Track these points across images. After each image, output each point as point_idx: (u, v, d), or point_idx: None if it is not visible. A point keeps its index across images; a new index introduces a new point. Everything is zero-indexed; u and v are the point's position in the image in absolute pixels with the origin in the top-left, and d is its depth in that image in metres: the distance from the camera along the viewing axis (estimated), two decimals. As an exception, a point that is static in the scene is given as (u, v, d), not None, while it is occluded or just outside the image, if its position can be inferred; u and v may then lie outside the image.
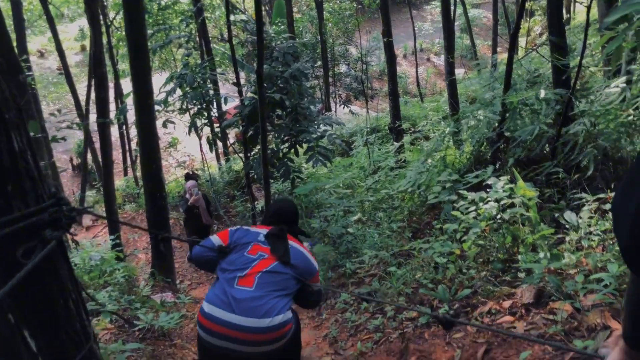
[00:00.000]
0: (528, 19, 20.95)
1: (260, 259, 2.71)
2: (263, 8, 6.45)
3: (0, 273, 1.24)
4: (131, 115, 11.43)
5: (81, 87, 14.04)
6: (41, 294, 1.34)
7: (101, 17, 10.14)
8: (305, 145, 8.58)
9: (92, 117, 8.86)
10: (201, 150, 13.17)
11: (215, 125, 12.17)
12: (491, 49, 17.25)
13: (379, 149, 10.16)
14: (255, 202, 9.02)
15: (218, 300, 2.58)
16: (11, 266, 1.25)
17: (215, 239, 2.91)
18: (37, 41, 29.53)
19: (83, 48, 29.34)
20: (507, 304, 3.05)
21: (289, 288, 2.69)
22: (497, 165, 5.27)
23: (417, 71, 19.41)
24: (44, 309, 1.34)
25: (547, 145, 5.06)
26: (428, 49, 31.15)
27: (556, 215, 4.18)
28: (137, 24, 5.92)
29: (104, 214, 8.38)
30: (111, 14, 14.48)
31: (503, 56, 13.98)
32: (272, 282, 2.63)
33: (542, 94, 5.11)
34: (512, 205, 3.82)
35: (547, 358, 2.32)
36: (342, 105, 18.33)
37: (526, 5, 14.59)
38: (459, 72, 17.27)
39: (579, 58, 4.84)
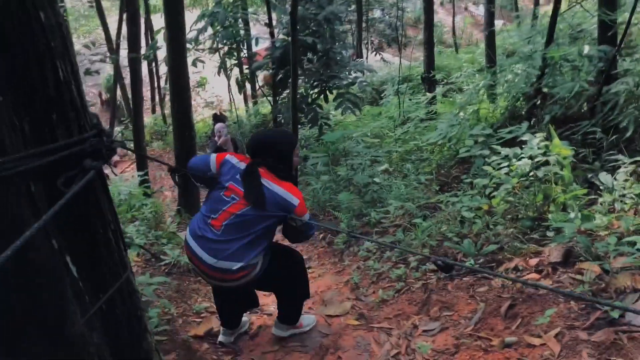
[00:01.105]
0: (574, -30, 19.96)
1: (232, 202, 2.73)
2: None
3: (45, 201, 1.26)
4: (161, 53, 11.38)
5: (112, 22, 13.92)
6: (83, 222, 1.37)
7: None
8: (335, 92, 8.47)
9: (123, 52, 8.83)
10: (229, 91, 13.10)
11: (245, 66, 12.08)
12: (533, 1, 16.53)
13: (410, 99, 9.97)
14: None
15: (193, 231, 2.81)
16: (54, 194, 1.27)
17: (212, 163, 2.92)
18: (69, -28, 29.24)
19: (115, -19, 29.00)
20: (533, 261, 3.03)
21: (259, 229, 2.72)
22: (532, 122, 5.14)
23: (453, 20, 18.81)
24: (85, 236, 1.37)
25: (586, 103, 4.90)
26: (466, -3, 30.03)
27: (589, 176, 4.10)
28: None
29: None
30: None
31: (545, 9, 13.40)
32: (240, 227, 2.70)
33: (586, 49, 4.92)
34: (546, 163, 3.74)
35: (572, 316, 2.32)
36: (374, 53, 17.95)
37: (574, -45, 13.87)
38: (498, 23, 16.65)
39: (628, 14, 4.61)
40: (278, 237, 3.31)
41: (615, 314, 2.24)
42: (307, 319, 3.52)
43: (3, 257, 0.99)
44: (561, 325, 2.29)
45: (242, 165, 2.84)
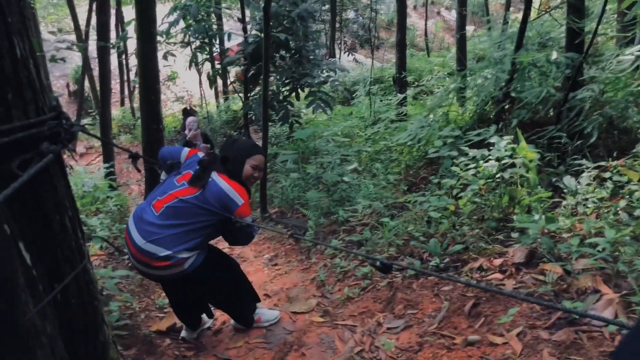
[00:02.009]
0: (544, -21, 20.34)
1: (181, 187, 2.74)
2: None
3: (-3, 183, 1.20)
4: (131, 45, 11.16)
5: (81, 11, 13.63)
6: (37, 208, 1.31)
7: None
8: (306, 90, 8.45)
9: (92, 43, 8.64)
10: (200, 86, 12.96)
11: (217, 62, 11.95)
12: (504, 7, 16.82)
13: (381, 100, 10.03)
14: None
15: (135, 214, 2.77)
16: (7, 177, 1.21)
17: (183, 155, 2.98)
18: (38, -41, 28.49)
19: (85, -30, 28.39)
20: (497, 262, 3.07)
21: (197, 223, 2.69)
22: (500, 126, 5.22)
23: (426, 24, 19.02)
24: (39, 223, 1.32)
25: (552, 109, 4.99)
26: (439, 2, 30.39)
27: (554, 179, 4.17)
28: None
29: (98, 142, 8.32)
30: None
31: (515, 15, 13.63)
32: (178, 214, 2.67)
33: (554, 55, 5.01)
34: (513, 165, 3.79)
35: (534, 316, 2.35)
36: (347, 53, 18.02)
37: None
38: (469, 29, 16.90)
39: (594, 22, 4.71)
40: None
41: (575, 316, 2.29)
42: (270, 314, 3.50)
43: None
44: (523, 324, 2.32)
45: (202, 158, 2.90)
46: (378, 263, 1.82)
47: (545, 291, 2.51)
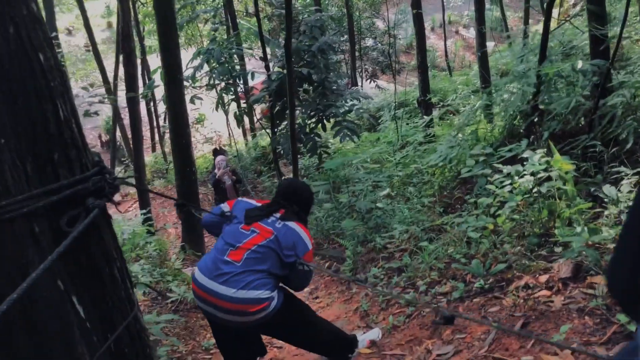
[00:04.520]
0: (561, -11, 20.23)
1: (253, 234, 2.80)
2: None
3: (49, 240, 1.25)
4: (159, 92, 11.47)
5: (109, 64, 14.14)
6: (87, 262, 1.36)
7: (128, -7, 10.12)
8: (332, 120, 8.52)
9: (121, 93, 8.93)
10: (228, 126, 13.18)
11: (242, 101, 12.19)
12: (522, 20, 16.77)
13: (407, 124, 10.02)
14: (282, 178, 9.03)
15: (206, 268, 2.77)
16: (58, 233, 1.26)
17: (223, 206, 3.10)
18: (65, 19, 29.75)
19: (110, 25, 29.42)
20: (543, 278, 2.99)
21: (275, 267, 2.78)
22: (531, 139, 5.15)
23: (445, 44, 19.05)
24: (90, 276, 1.36)
25: (583, 118, 4.91)
26: (457, 21, 30.48)
27: (592, 189, 4.07)
28: (165, -1, 5.90)
29: (134, 189, 8.53)
30: (137, -11, 14.49)
31: (535, 27, 13.57)
32: (260, 259, 2.74)
33: (580, 64, 4.95)
34: (549, 178, 3.73)
35: (588, 332, 2.28)
36: (369, 80, 18.14)
37: (560, -26, 14.11)
38: (489, 44, 16.86)
39: (618, 28, 4.66)
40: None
41: (632, 327, 2.20)
42: (372, 333, 3.57)
43: (9, 300, 0.98)
44: (577, 341, 2.24)
45: (257, 204, 2.99)
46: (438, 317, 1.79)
47: (596, 305, 2.43)
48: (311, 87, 8.76)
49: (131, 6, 11.97)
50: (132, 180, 7.07)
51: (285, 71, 6.60)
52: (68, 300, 1.27)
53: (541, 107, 5.18)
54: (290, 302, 2.95)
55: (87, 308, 1.33)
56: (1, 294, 1.04)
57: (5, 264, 1.11)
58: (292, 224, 2.87)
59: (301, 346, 3.26)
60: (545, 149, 4.19)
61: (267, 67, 9.14)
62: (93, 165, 1.40)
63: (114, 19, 24.80)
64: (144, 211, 7.01)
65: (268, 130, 9.70)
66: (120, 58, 8.11)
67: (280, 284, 2.95)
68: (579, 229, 3.18)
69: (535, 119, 5.28)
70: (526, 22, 13.72)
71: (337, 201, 6.81)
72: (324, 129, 8.75)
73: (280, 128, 9.06)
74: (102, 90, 10.96)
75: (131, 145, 8.06)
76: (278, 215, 2.90)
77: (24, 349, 1.14)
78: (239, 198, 3.11)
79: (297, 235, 2.83)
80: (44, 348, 1.17)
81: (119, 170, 14.29)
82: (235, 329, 2.86)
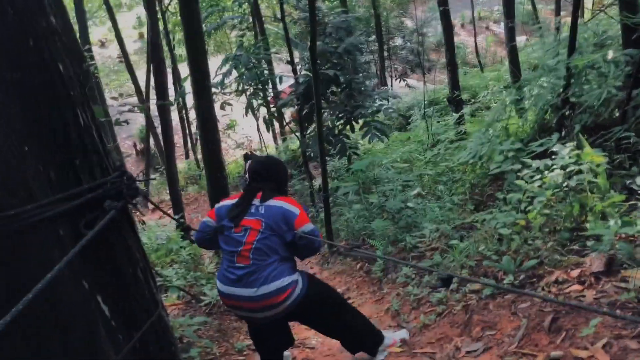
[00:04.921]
0: (594, -22, 19.70)
1: (246, 233, 2.81)
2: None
3: (73, 244, 1.30)
4: (190, 99, 11.67)
5: (140, 74, 14.50)
6: (111, 262, 1.40)
7: (157, 3, 10.36)
8: (361, 121, 8.52)
9: (153, 102, 9.14)
10: (258, 130, 13.33)
11: (271, 105, 12.29)
12: (554, 13, 16.42)
13: (438, 122, 9.94)
14: (313, 180, 9.06)
15: (226, 278, 2.82)
16: (82, 237, 1.31)
17: (208, 221, 3.04)
18: (98, 31, 30.60)
19: (141, 35, 30.08)
20: (575, 273, 2.93)
21: (283, 250, 2.83)
22: (563, 133, 5.04)
23: (475, 40, 18.78)
24: (114, 276, 1.41)
25: (616, 109, 4.78)
26: (487, 17, 30.07)
27: (628, 182, 3.97)
28: (191, 8, 6.00)
29: (168, 196, 8.71)
30: (165, 0, 14.79)
31: (567, 19, 13.26)
32: (265, 251, 2.77)
33: (610, 54, 4.83)
34: (580, 172, 3.65)
35: (619, 325, 2.22)
36: (398, 79, 18.04)
37: (592, -37, 13.78)
38: (520, 39, 16.56)
39: (651, 15, 4.52)
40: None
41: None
42: (399, 334, 3.55)
43: (25, 299, 1.02)
44: (608, 335, 2.19)
45: (234, 201, 2.98)
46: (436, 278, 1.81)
47: (628, 299, 2.37)
48: (339, 89, 8.78)
49: (161, 16, 12.25)
50: (161, 185, 7.20)
51: (312, 74, 6.64)
52: (93, 300, 1.32)
53: (572, 100, 5.07)
54: (315, 284, 3.03)
55: (111, 307, 1.38)
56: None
57: (31, 267, 1.16)
58: (272, 202, 2.87)
59: (334, 332, 3.24)
60: (576, 142, 4.10)
61: (294, 71, 9.20)
62: (114, 170, 1.45)
63: (145, 30, 25.39)
64: (177, 216, 7.14)
65: (297, 134, 9.76)
66: (152, 67, 8.31)
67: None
68: (612, 222, 3.10)
69: (567, 113, 5.16)
70: (557, 14, 13.44)
71: (367, 202, 6.80)
72: (352, 130, 8.76)
73: (309, 131, 9.10)
74: (135, 100, 11.24)
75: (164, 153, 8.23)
76: (257, 201, 2.89)
77: (52, 348, 1.19)
78: (216, 205, 3.08)
79: (281, 209, 2.84)
80: (70, 346, 1.22)
81: (154, 177, 14.59)
82: (270, 323, 2.92)
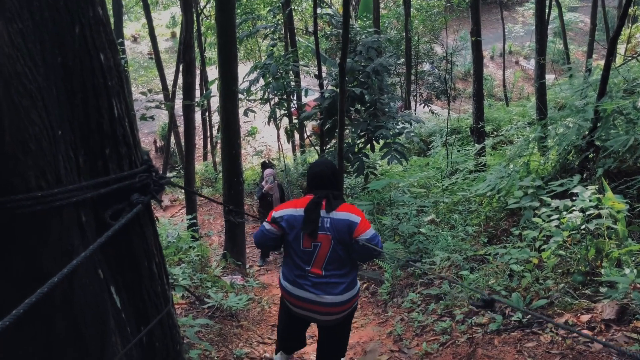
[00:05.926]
0: (630, 25, 19.63)
1: (317, 249, 2.87)
2: (350, 2, 6.43)
3: (93, 231, 1.31)
4: (214, 103, 11.74)
5: (169, 73, 14.67)
6: (128, 254, 1.41)
7: (193, 5, 10.50)
8: (381, 142, 8.51)
9: (178, 101, 9.22)
10: (278, 140, 13.37)
11: (294, 116, 12.35)
12: (585, 55, 16.36)
13: (459, 151, 9.90)
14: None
15: (297, 282, 2.91)
16: (102, 225, 1.32)
17: (270, 230, 2.98)
18: (132, 26, 31.06)
19: (173, 35, 30.48)
20: (585, 318, 2.88)
21: (350, 263, 2.94)
22: (585, 175, 4.99)
23: (504, 74, 18.73)
24: (129, 268, 1.41)
25: (641, 157, 4.73)
26: (517, 51, 29.99)
27: (647, 232, 3.91)
28: (227, 13, 6.08)
29: (182, 195, 8.75)
30: (202, 2, 14.99)
31: (598, 62, 13.19)
32: (336, 265, 2.87)
33: (641, 102, 4.79)
34: (599, 216, 3.60)
35: (629, 378, 2.17)
36: (423, 104, 18.03)
37: (629, 10, 13.69)
38: (549, 77, 16.50)
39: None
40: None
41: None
42: None
43: (49, 283, 1.03)
44: (616, 386, 2.15)
45: (299, 212, 2.91)
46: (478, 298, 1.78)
47: (638, 350, 2.32)
48: (363, 108, 8.79)
49: (195, 18, 12.40)
50: (174, 190, 7.24)
51: (338, 90, 6.66)
52: (106, 290, 1.32)
53: (597, 143, 5.02)
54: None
55: (123, 299, 1.38)
56: (45, 277, 1.10)
57: (52, 249, 1.17)
58: (337, 214, 2.87)
59: (339, 347, 3.28)
60: (598, 186, 4.05)
61: (321, 85, 9.24)
62: (142, 163, 1.46)
63: (177, 30, 25.75)
64: (190, 217, 7.16)
65: (317, 148, 9.78)
66: (181, 67, 8.40)
67: None
68: (627, 271, 3.05)
69: (590, 155, 5.12)
70: (589, 56, 13.38)
71: (380, 223, 6.77)
72: (373, 149, 8.75)
73: (329, 146, 9.12)
74: (160, 97, 11.34)
75: (184, 152, 8.28)
76: (323, 212, 2.87)
77: (61, 331, 1.19)
78: (276, 212, 2.99)
79: (347, 221, 2.85)
80: (79, 332, 1.22)
81: (170, 176, 14.68)
82: (310, 322, 3.15)
